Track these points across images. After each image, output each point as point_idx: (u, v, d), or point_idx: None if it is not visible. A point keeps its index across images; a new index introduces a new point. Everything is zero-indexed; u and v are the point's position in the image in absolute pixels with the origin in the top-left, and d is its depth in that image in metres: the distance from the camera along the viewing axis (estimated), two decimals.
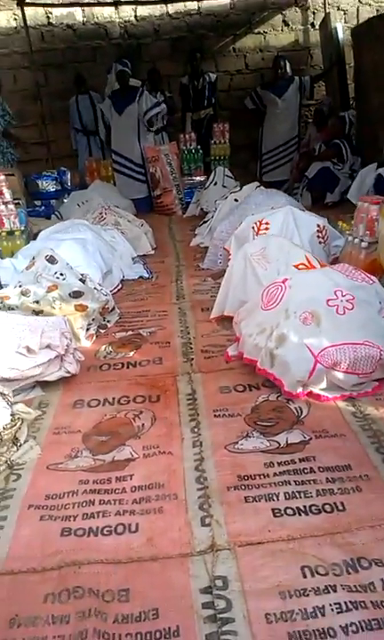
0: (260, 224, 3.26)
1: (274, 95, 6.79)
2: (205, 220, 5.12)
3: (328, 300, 2.20)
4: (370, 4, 7.03)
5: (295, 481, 1.70)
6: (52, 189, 6.09)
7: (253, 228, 3.27)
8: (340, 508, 1.58)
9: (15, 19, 7.11)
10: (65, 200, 5.95)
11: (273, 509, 1.59)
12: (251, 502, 1.63)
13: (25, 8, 6.80)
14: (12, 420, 1.87)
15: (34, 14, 7.08)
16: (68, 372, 2.38)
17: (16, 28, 7.15)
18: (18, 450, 1.90)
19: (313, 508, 1.59)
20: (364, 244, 2.91)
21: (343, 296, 2.21)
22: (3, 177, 4.20)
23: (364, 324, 2.17)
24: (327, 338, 2.12)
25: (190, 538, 1.51)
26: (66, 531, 1.56)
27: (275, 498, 1.64)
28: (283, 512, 1.58)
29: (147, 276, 3.94)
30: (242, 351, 2.41)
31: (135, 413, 2.15)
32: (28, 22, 6.92)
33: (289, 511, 1.58)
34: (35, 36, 7.16)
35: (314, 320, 2.17)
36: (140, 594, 1.35)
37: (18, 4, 6.72)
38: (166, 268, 4.16)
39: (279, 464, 1.79)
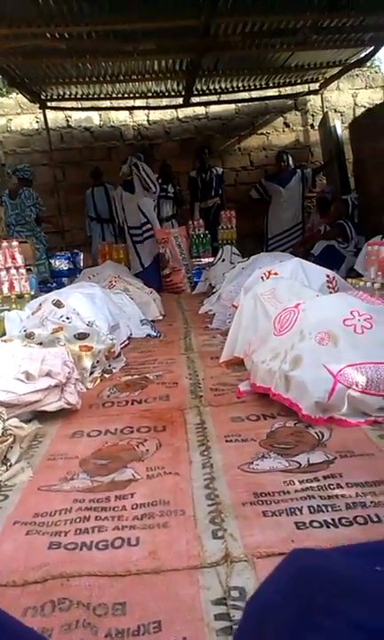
0: (269, 274, 3.22)
1: (277, 185, 7.17)
2: (214, 291, 5.14)
3: (344, 320, 2.09)
4: (365, 106, 7.61)
5: (320, 496, 1.48)
6: (64, 268, 6.22)
7: (262, 277, 3.23)
8: (375, 519, 1.35)
9: (37, 121, 7.75)
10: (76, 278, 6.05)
11: (296, 522, 1.36)
12: (270, 517, 1.40)
13: (47, 112, 7.44)
14: (2, 435, 1.69)
15: (55, 117, 7.72)
16: (69, 404, 2.21)
17: (38, 129, 7.77)
18: (7, 470, 1.70)
19: (343, 520, 1.36)
20: (376, 285, 2.84)
21: (360, 315, 2.09)
22: (16, 243, 4.29)
23: None
24: (346, 357, 1.98)
25: (200, 550, 1.28)
26: (54, 544, 1.34)
27: (297, 512, 1.41)
28: (308, 525, 1.35)
29: (154, 334, 3.85)
30: (254, 382, 2.25)
31: (139, 441, 1.95)
32: (50, 124, 7.53)
33: (315, 524, 1.35)
34: (55, 137, 7.74)
35: (330, 340, 2.04)
36: (140, 606, 1.11)
37: (40, 108, 7.35)
38: (175, 329, 4.08)
39: (301, 482, 1.57)
